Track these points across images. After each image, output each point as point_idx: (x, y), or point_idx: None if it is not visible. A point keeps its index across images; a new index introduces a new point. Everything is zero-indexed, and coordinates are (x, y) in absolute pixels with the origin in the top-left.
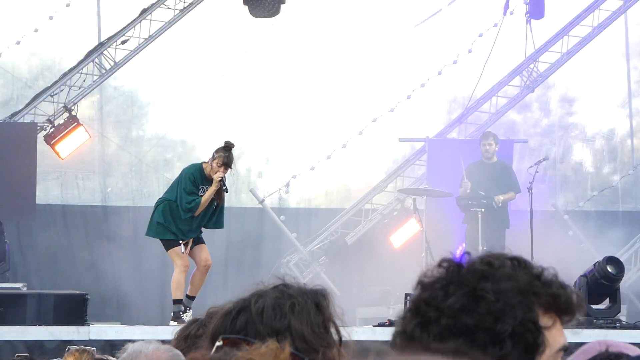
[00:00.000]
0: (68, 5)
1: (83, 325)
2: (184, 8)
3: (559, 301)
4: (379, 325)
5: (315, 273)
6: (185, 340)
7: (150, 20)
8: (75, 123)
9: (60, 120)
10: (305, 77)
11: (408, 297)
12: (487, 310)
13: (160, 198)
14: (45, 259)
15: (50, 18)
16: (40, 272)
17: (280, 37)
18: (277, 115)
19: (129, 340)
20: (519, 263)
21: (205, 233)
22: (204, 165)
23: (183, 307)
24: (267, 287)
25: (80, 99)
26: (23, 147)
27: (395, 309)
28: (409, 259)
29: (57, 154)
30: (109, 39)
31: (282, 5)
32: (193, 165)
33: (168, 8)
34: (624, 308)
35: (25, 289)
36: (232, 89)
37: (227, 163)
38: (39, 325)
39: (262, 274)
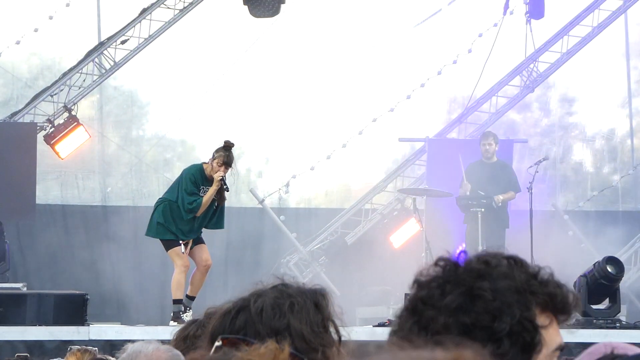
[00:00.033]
0: (68, 5)
1: (83, 325)
2: (184, 8)
3: (556, 300)
4: (379, 325)
5: (315, 273)
6: (184, 341)
7: (150, 20)
8: (75, 123)
9: (60, 120)
10: (305, 77)
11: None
12: (485, 308)
13: (160, 198)
14: (45, 259)
15: (50, 18)
16: (40, 272)
17: (280, 37)
18: (277, 115)
19: (129, 340)
20: (515, 262)
21: (205, 233)
22: (205, 166)
23: (183, 307)
24: (266, 286)
25: (80, 99)
26: (23, 147)
27: (395, 309)
28: (409, 259)
29: (57, 153)
30: (108, 38)
31: (282, 5)
32: (193, 165)
33: (168, 8)
34: (623, 308)
35: (25, 289)
36: (232, 89)
37: (227, 162)
38: (39, 325)
39: (262, 274)
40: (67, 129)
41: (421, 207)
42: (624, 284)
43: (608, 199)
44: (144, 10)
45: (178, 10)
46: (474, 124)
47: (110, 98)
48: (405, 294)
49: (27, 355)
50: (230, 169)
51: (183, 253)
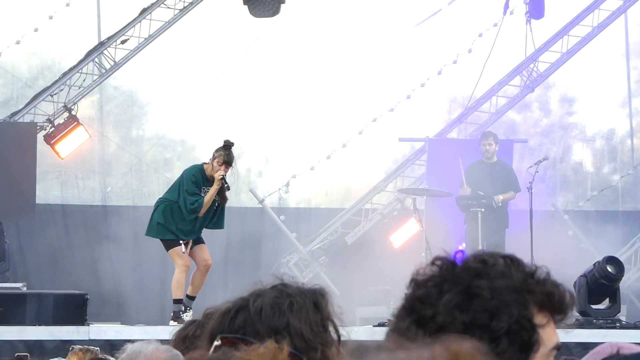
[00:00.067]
0: (68, 5)
1: (83, 325)
2: (184, 8)
3: (553, 299)
4: (379, 325)
5: (315, 273)
6: (184, 342)
7: (150, 19)
8: (75, 123)
9: (60, 120)
10: (305, 77)
11: None
12: (483, 307)
13: (160, 198)
14: (45, 258)
15: (50, 18)
16: (40, 272)
17: (280, 37)
18: (277, 115)
19: (129, 340)
20: (512, 261)
21: (205, 233)
22: (205, 166)
23: (183, 307)
24: (265, 286)
25: (80, 99)
26: (23, 146)
27: (394, 308)
28: (409, 259)
29: (57, 153)
30: (108, 38)
31: (282, 5)
32: (194, 166)
33: (168, 8)
34: (623, 308)
35: (25, 288)
36: (232, 88)
37: (227, 161)
38: (39, 325)
39: (262, 274)
40: (67, 129)
41: (421, 207)
42: (624, 284)
43: (608, 198)
44: (144, 10)
45: (178, 10)
46: (474, 124)
47: (110, 98)
48: (405, 294)
49: (26, 355)
50: (230, 168)
51: (183, 253)
